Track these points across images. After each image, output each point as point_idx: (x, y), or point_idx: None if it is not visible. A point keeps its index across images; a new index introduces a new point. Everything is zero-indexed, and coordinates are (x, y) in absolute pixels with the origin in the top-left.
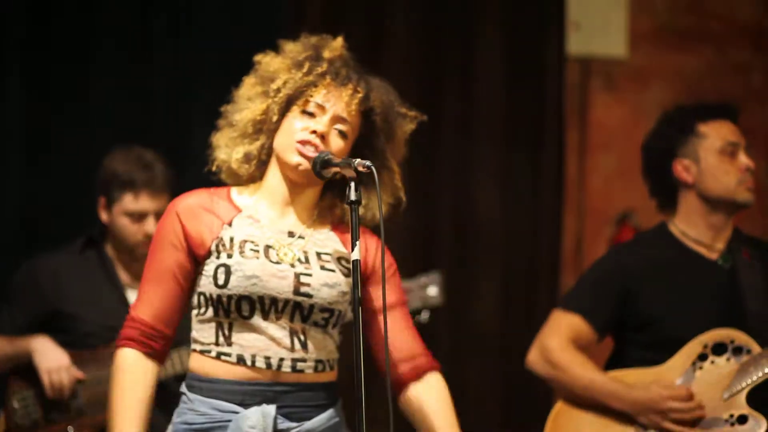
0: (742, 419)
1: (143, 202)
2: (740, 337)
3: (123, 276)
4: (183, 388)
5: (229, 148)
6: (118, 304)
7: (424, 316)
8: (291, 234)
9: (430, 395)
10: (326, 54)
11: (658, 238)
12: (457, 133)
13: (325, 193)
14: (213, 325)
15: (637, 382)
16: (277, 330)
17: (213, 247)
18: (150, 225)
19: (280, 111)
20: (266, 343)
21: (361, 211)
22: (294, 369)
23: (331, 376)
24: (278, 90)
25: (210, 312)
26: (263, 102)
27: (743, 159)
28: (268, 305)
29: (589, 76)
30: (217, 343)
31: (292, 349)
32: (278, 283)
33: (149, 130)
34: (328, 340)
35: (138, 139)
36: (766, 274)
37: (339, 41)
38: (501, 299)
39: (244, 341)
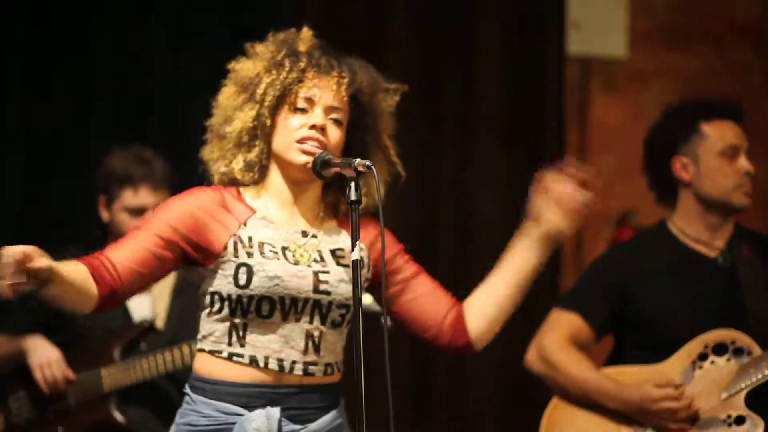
0: (740, 420)
1: (143, 197)
2: (742, 339)
3: None
4: (186, 389)
5: (227, 160)
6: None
7: None
8: (305, 234)
9: (473, 300)
10: (302, 47)
11: (657, 237)
12: (457, 132)
13: (327, 188)
14: (227, 325)
15: (633, 380)
16: (293, 331)
17: (230, 246)
18: None
19: (271, 114)
20: (280, 345)
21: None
22: (305, 372)
23: (335, 378)
24: (265, 93)
25: (225, 311)
26: (252, 108)
27: (743, 162)
28: (288, 305)
29: (589, 76)
30: (229, 344)
31: (305, 352)
32: (299, 282)
33: (149, 131)
34: (339, 343)
35: (138, 139)
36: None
37: (308, 32)
38: None
39: (258, 342)
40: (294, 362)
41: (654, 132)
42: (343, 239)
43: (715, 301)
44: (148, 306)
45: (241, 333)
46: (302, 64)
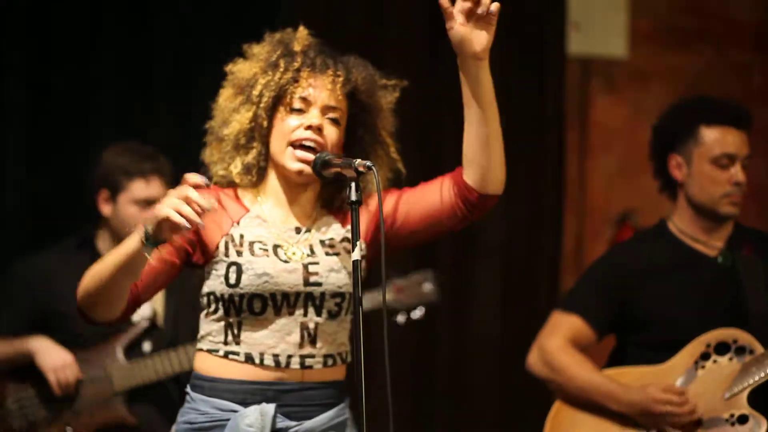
0: (743, 419)
1: (154, 188)
2: (744, 337)
3: None
4: (187, 388)
5: (225, 163)
6: None
7: (419, 312)
8: (298, 230)
9: (463, 155)
10: (297, 47)
11: (657, 236)
12: (458, 133)
13: (324, 185)
14: (222, 324)
15: (637, 381)
16: (288, 325)
17: (222, 245)
18: None
19: (268, 115)
20: (275, 340)
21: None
22: (303, 365)
23: (340, 371)
24: (261, 95)
25: (220, 311)
26: (248, 110)
27: (735, 172)
28: (280, 301)
29: (590, 77)
30: (225, 342)
31: (301, 345)
32: (288, 277)
33: (149, 131)
34: (340, 333)
35: (138, 139)
36: None
37: (304, 31)
38: (501, 299)
39: (252, 339)
40: (290, 356)
41: (659, 124)
42: (334, 229)
43: (716, 300)
44: (146, 304)
45: (235, 331)
46: (297, 64)
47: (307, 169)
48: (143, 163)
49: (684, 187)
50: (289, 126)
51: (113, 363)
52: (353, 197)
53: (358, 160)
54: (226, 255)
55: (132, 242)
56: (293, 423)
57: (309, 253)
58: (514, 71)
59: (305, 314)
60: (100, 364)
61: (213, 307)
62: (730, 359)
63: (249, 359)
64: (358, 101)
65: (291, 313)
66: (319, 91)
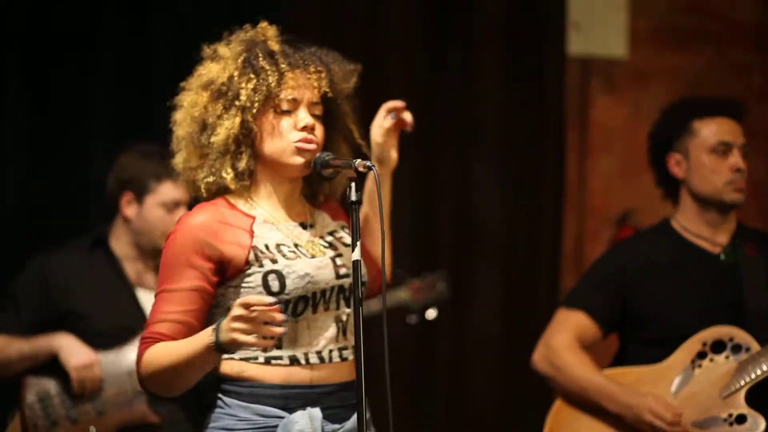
0: (741, 418)
1: (182, 190)
2: (739, 335)
3: (131, 275)
4: (218, 393)
5: (213, 169)
6: (128, 303)
7: (433, 313)
8: (303, 225)
9: None
10: (274, 46)
11: (661, 233)
12: (457, 133)
13: (304, 183)
14: None
15: (634, 382)
16: (325, 321)
17: (252, 257)
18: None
19: (255, 119)
20: (314, 338)
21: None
22: (342, 358)
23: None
24: (248, 99)
25: None
26: (236, 115)
27: (734, 159)
28: (318, 298)
29: (590, 77)
30: (265, 349)
31: (336, 338)
32: (324, 273)
33: (149, 131)
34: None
35: (138, 139)
36: None
37: (271, 29)
38: (501, 299)
39: (295, 341)
40: (330, 350)
41: (653, 129)
42: (330, 221)
43: (718, 298)
44: None
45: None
46: (282, 66)
47: (309, 160)
48: (168, 166)
49: (686, 183)
50: (281, 130)
51: (132, 362)
52: (353, 197)
53: (358, 160)
54: (260, 266)
55: (200, 345)
56: (337, 426)
57: (326, 245)
58: (514, 71)
59: (338, 307)
60: (122, 363)
61: None
62: (727, 357)
63: (294, 361)
64: (331, 93)
65: (326, 309)
66: (304, 89)
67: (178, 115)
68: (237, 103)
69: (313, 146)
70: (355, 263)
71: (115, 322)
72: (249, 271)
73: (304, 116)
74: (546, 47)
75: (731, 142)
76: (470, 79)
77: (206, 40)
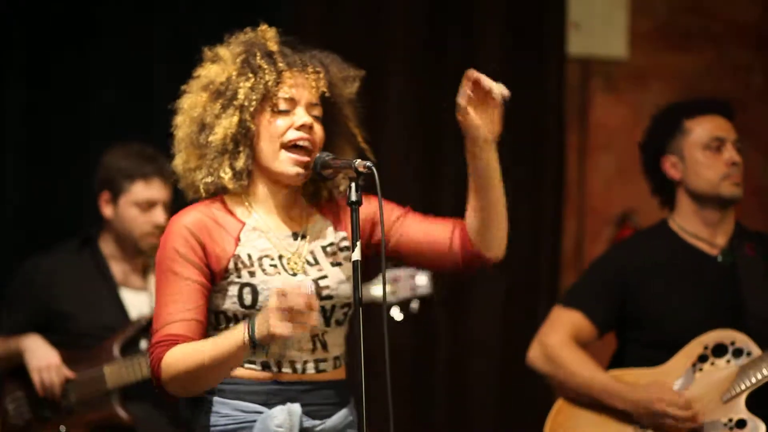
0: (741, 423)
1: (155, 190)
2: (741, 339)
3: (117, 274)
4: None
5: (212, 169)
6: (111, 304)
7: (414, 305)
8: (295, 236)
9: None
10: (272, 47)
11: (659, 234)
12: (458, 132)
13: (306, 182)
14: None
15: (636, 382)
16: (300, 336)
17: (231, 266)
18: (158, 215)
19: (253, 118)
20: (288, 349)
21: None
22: (317, 370)
23: (342, 372)
24: (246, 98)
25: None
26: (233, 114)
27: (728, 153)
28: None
29: (590, 77)
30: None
31: (313, 350)
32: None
33: (149, 131)
34: (341, 337)
35: (138, 140)
36: None
37: (271, 30)
38: (501, 300)
39: (266, 350)
40: (306, 362)
41: (645, 136)
42: (329, 232)
43: (715, 299)
44: (146, 303)
45: None
46: (280, 65)
47: (304, 172)
48: (144, 165)
49: (683, 183)
50: (278, 128)
51: (110, 361)
52: (353, 197)
53: (358, 160)
54: (238, 276)
55: (232, 344)
56: (317, 422)
57: (312, 261)
58: (514, 71)
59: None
60: (98, 363)
61: (224, 325)
62: (728, 361)
63: (266, 367)
64: (330, 94)
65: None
66: (302, 89)
67: (179, 118)
68: (235, 102)
69: (305, 158)
70: (355, 263)
71: (97, 321)
72: (228, 280)
73: (301, 115)
74: (546, 47)
75: (724, 137)
76: None
77: (206, 40)
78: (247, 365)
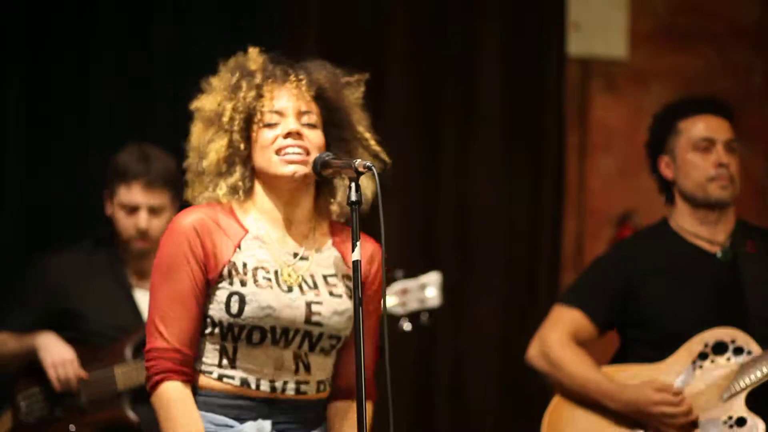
0: (741, 422)
1: (135, 195)
2: (741, 337)
3: (131, 275)
4: None
5: (210, 188)
6: (125, 304)
7: (423, 317)
8: (295, 255)
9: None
10: (253, 66)
11: (659, 233)
12: (458, 132)
13: (317, 195)
14: (217, 347)
15: (634, 379)
16: (283, 355)
17: (225, 272)
18: (142, 219)
19: (243, 137)
20: (270, 368)
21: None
22: (297, 391)
23: (326, 394)
24: (231, 119)
25: (216, 335)
26: (223, 137)
27: (716, 155)
28: (279, 334)
29: (590, 77)
30: (220, 365)
31: (296, 372)
32: (291, 313)
33: (149, 132)
34: (329, 362)
35: (138, 139)
36: None
37: (255, 50)
38: (501, 300)
39: (249, 365)
40: (286, 382)
41: (648, 135)
42: (336, 263)
43: (716, 298)
44: None
45: (231, 356)
46: (257, 80)
47: (300, 168)
48: (129, 167)
49: (676, 183)
50: (267, 139)
51: (121, 362)
52: (353, 197)
53: (358, 161)
54: (230, 283)
55: None
56: None
57: (311, 285)
58: (514, 71)
59: (300, 347)
60: (109, 363)
61: (209, 329)
62: (728, 359)
63: (244, 384)
64: (327, 101)
65: (287, 346)
66: (287, 99)
67: (189, 151)
68: (223, 125)
69: (299, 156)
70: (355, 263)
71: (110, 321)
72: (220, 285)
73: (288, 124)
74: (546, 47)
75: (714, 137)
76: (470, 79)
77: (206, 39)
78: (225, 380)
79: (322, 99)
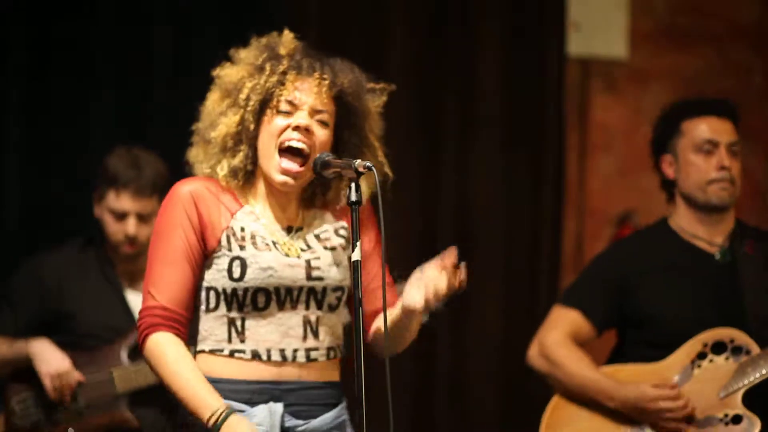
0: (737, 419)
1: (124, 202)
2: (740, 337)
3: (122, 276)
4: None
5: (211, 162)
6: (116, 305)
7: (425, 318)
8: (289, 229)
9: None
10: (282, 51)
11: (658, 233)
12: (457, 133)
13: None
14: (224, 321)
15: (633, 379)
16: (291, 320)
17: (224, 239)
18: (131, 226)
19: (255, 118)
20: (279, 335)
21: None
22: (308, 358)
23: (337, 365)
24: (248, 98)
25: (222, 308)
26: (236, 113)
27: (719, 157)
28: (283, 295)
29: (590, 77)
30: (229, 341)
31: (304, 338)
32: (292, 272)
33: (149, 132)
34: (338, 326)
35: (137, 140)
36: None
37: (290, 35)
38: (501, 300)
39: (258, 336)
40: (296, 350)
41: (652, 132)
42: (327, 221)
43: (714, 298)
44: None
45: (239, 328)
46: (282, 67)
47: (291, 181)
48: (120, 174)
49: (677, 183)
50: (276, 127)
51: (117, 365)
52: (353, 197)
53: (358, 161)
54: (229, 249)
55: (201, 409)
56: (300, 422)
57: (305, 247)
58: (514, 71)
59: (307, 308)
60: (104, 366)
61: (213, 302)
62: (727, 359)
63: (256, 356)
64: (345, 104)
65: (294, 308)
66: (306, 94)
67: (202, 114)
68: (238, 101)
69: (296, 169)
70: (355, 263)
71: (102, 322)
72: (219, 254)
73: (300, 117)
74: (546, 47)
75: (717, 140)
76: (470, 79)
77: (206, 39)
78: (237, 355)
79: (342, 101)
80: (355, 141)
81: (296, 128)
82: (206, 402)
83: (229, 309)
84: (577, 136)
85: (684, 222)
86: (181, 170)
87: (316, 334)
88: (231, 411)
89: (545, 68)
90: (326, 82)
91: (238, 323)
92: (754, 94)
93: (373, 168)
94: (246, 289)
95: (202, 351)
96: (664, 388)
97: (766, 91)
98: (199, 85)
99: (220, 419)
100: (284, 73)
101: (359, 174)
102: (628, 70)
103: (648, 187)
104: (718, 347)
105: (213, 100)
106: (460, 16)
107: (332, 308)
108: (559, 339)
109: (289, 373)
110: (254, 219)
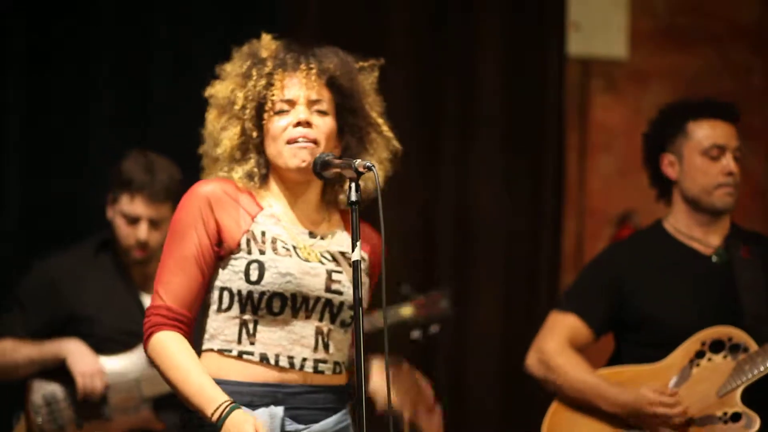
0: (736, 417)
1: (137, 206)
2: (738, 335)
3: (137, 279)
4: None
5: (225, 170)
6: (133, 308)
7: (434, 328)
8: (312, 235)
9: None
10: (264, 53)
11: (654, 235)
12: (457, 133)
13: (325, 187)
14: (237, 322)
15: (632, 380)
16: (304, 329)
17: (243, 242)
18: (142, 231)
19: (256, 125)
20: (290, 342)
21: (361, 184)
22: (315, 370)
23: (342, 378)
24: (243, 107)
25: (235, 309)
26: (236, 125)
27: (726, 162)
28: (299, 303)
29: (590, 77)
30: (239, 342)
31: (315, 349)
32: (311, 280)
33: (149, 132)
34: (345, 342)
35: (137, 140)
36: (767, 270)
37: (268, 36)
38: (501, 300)
39: (269, 340)
40: (305, 359)
41: (648, 129)
42: (347, 241)
43: (711, 300)
44: None
45: (251, 330)
46: (268, 69)
47: (308, 157)
48: (135, 178)
49: (678, 184)
50: (278, 127)
51: (142, 369)
52: (353, 197)
53: (358, 161)
54: (249, 252)
55: (204, 404)
56: (301, 426)
57: (329, 258)
58: (514, 71)
59: (321, 319)
60: (129, 369)
61: (227, 303)
62: (725, 357)
63: (264, 359)
64: (339, 88)
65: (308, 317)
66: (298, 88)
67: (204, 137)
68: (235, 113)
69: (305, 148)
70: (355, 263)
71: (118, 326)
72: (237, 255)
73: (299, 112)
74: (546, 47)
75: (724, 145)
76: (470, 78)
77: (205, 39)
78: (245, 357)
79: (335, 85)
80: (359, 123)
81: (298, 124)
82: (210, 396)
83: (242, 311)
84: (577, 136)
85: (681, 223)
86: (181, 170)
87: (327, 347)
88: (236, 405)
89: (545, 68)
90: (314, 71)
91: (251, 326)
92: (754, 94)
93: (373, 168)
94: (262, 293)
95: (210, 350)
96: (663, 393)
97: (766, 91)
98: (199, 85)
99: (224, 413)
100: (271, 73)
101: (359, 174)
102: (628, 70)
103: (648, 187)
104: (716, 346)
105: (211, 119)
106: (460, 15)
107: (344, 325)
108: (557, 345)
109: (293, 378)
110: (275, 222)
